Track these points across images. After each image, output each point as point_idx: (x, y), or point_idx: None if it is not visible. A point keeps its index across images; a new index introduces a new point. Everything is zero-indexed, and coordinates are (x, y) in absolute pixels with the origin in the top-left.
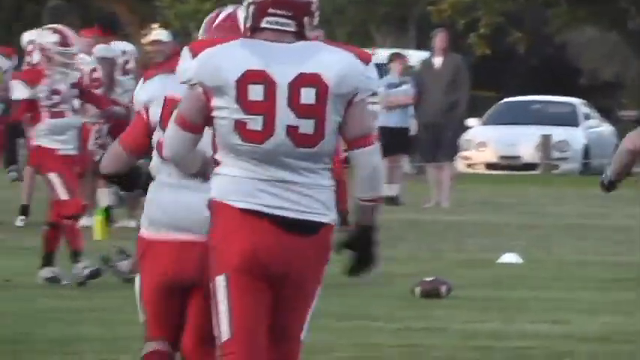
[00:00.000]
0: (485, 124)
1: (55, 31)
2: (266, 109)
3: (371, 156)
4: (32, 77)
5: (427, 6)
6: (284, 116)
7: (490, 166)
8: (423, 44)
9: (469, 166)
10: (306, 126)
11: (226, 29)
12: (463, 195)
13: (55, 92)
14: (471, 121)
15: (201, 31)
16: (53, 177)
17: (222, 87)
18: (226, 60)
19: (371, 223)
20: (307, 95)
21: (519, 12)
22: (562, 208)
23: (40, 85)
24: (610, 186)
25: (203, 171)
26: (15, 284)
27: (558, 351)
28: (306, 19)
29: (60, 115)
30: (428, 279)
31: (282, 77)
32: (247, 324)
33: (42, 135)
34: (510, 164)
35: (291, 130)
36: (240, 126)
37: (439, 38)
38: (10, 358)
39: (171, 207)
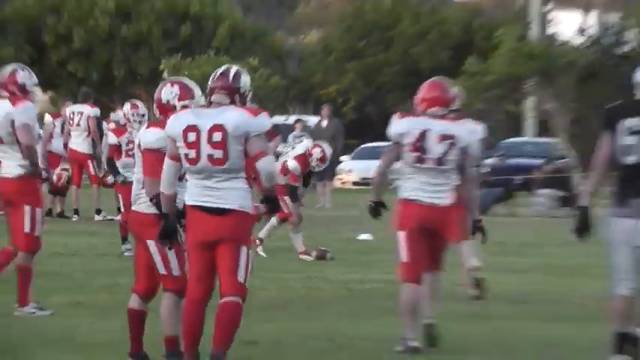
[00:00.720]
0: (352, 159)
1: (131, 103)
2: (196, 145)
3: (264, 163)
4: (118, 131)
5: (320, 90)
6: (205, 148)
7: (355, 183)
8: (317, 112)
9: (342, 183)
10: (218, 154)
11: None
12: (338, 200)
13: (131, 142)
14: (343, 158)
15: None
16: (120, 196)
17: (177, 135)
18: (179, 121)
19: (271, 195)
20: (216, 136)
21: (374, 95)
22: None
23: (123, 137)
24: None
25: (155, 200)
26: (72, 253)
27: (391, 291)
28: (236, 97)
29: (132, 156)
30: (320, 248)
31: (204, 127)
32: (195, 270)
33: (120, 168)
34: (367, 182)
35: (209, 157)
36: (185, 155)
37: (325, 109)
38: (71, 296)
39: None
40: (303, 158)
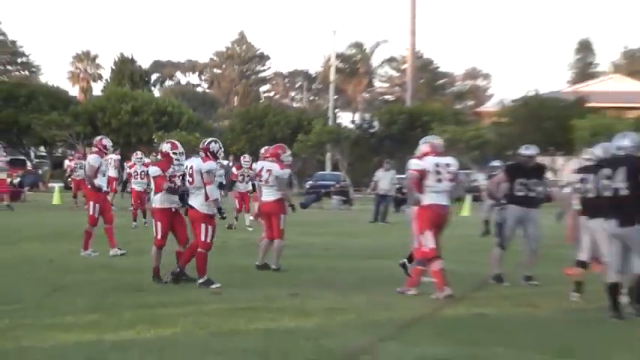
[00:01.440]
0: None
1: (135, 153)
2: (187, 175)
3: (208, 187)
4: (132, 166)
5: (229, 148)
6: (188, 177)
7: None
8: (227, 158)
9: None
10: (190, 179)
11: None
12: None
13: (136, 171)
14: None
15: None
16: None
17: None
18: (186, 163)
19: (215, 205)
20: (190, 170)
21: (255, 150)
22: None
23: (132, 169)
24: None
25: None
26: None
27: (250, 242)
28: (208, 153)
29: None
30: (229, 223)
31: (189, 166)
32: (178, 234)
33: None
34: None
35: (189, 181)
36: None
37: (231, 157)
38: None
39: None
40: (239, 166)
